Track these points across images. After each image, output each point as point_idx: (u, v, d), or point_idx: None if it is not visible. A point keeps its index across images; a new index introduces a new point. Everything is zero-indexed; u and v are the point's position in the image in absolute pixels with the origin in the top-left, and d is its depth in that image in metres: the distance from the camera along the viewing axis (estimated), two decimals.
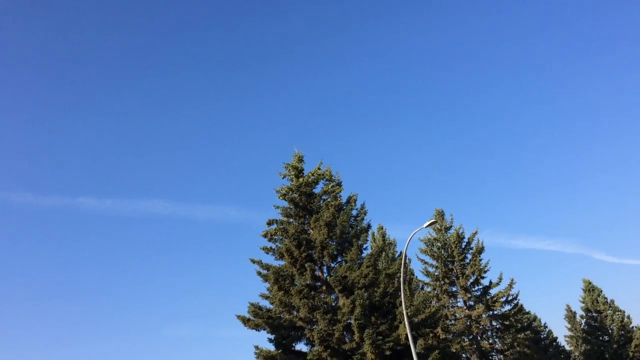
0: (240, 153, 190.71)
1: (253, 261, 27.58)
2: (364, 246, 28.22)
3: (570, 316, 57.93)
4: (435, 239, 42.21)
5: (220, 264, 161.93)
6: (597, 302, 50.64)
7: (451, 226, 42.68)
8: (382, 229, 44.52)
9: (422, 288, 41.63)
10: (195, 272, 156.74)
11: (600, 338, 49.39)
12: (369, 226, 28.95)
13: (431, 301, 36.66)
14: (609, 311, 50.04)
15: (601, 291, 51.70)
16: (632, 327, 49.75)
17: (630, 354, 47.19)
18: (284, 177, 30.06)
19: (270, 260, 28.17)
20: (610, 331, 49.10)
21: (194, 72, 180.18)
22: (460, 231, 42.22)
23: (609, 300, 51.12)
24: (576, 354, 56.50)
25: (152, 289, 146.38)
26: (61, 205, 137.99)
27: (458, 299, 41.03)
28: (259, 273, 27.44)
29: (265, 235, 28.49)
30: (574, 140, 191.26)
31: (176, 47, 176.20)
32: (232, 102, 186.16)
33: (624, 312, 50.31)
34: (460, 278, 40.52)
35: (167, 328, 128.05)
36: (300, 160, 30.02)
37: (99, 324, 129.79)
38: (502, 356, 40.52)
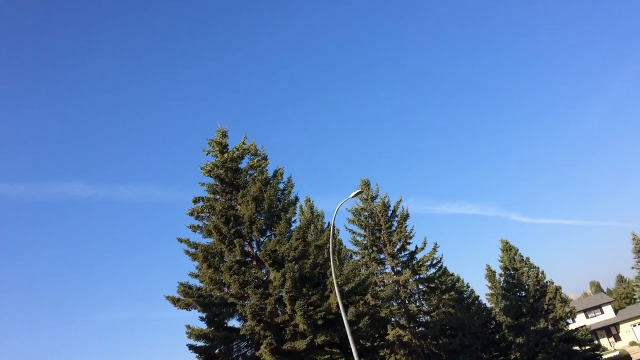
0: (162, 130, 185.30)
1: (180, 240, 27.05)
2: (293, 219, 28.33)
3: (490, 275, 60.99)
4: (362, 208, 42.93)
5: (147, 246, 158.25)
6: (514, 260, 53.49)
7: (377, 195, 43.51)
8: (309, 201, 44.80)
9: (351, 257, 42.44)
10: (121, 255, 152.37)
11: (518, 294, 52.37)
12: (296, 199, 29.04)
13: (360, 269, 37.49)
14: (525, 268, 53.02)
15: (518, 250, 54.62)
16: (546, 281, 53.05)
17: (545, 306, 50.46)
18: (208, 153, 29.43)
19: (198, 238, 27.73)
20: (526, 287, 52.14)
21: (110, 44, 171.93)
22: (386, 200, 43.12)
23: (524, 258, 54.10)
24: (497, 310, 59.76)
25: (77, 275, 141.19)
26: None
27: (386, 266, 42.18)
28: (187, 252, 26.99)
29: (191, 214, 27.93)
30: (490, 104, 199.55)
31: (90, 15, 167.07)
32: (152, 78, 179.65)
33: (539, 268, 53.50)
34: (388, 245, 41.58)
35: (96, 314, 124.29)
36: (224, 135, 29.45)
37: (20, 318, 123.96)
38: (428, 317, 42.24)
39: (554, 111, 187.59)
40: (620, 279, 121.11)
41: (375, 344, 31.07)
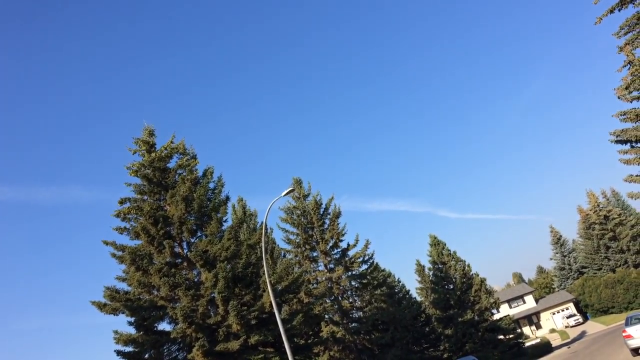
0: (85, 129, 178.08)
1: (106, 243, 25.96)
2: (224, 219, 27.89)
3: (420, 270, 62.40)
4: (294, 207, 42.93)
5: (72, 250, 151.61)
6: (442, 254, 54.98)
7: (309, 194, 43.62)
8: (242, 200, 44.36)
9: (284, 256, 42.37)
10: (42, 260, 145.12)
11: (446, 287, 53.92)
12: (227, 198, 28.61)
13: (293, 268, 37.51)
14: (452, 262, 54.61)
15: (445, 244, 56.16)
16: (472, 274, 54.90)
17: (471, 298, 52.24)
18: (135, 152, 28.45)
19: (126, 240, 26.77)
20: (454, 280, 53.79)
21: (30, 40, 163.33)
22: (318, 198, 43.30)
23: (452, 252, 55.79)
24: (426, 303, 61.35)
25: None
26: None
27: (319, 263, 42.37)
28: (114, 255, 25.97)
29: (118, 215, 26.88)
30: (418, 106, 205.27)
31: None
32: (75, 74, 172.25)
33: (465, 261, 55.25)
34: (320, 243, 41.79)
35: (16, 322, 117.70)
36: (152, 134, 28.55)
37: None
38: (361, 313, 42.82)
39: (477, 112, 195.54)
40: (540, 270, 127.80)
41: (310, 341, 31.21)
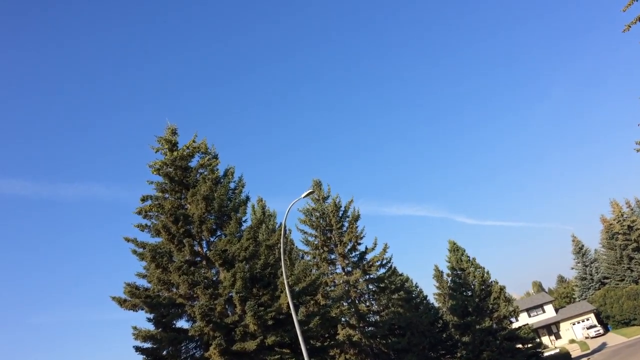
0: (107, 127, 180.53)
1: (127, 240, 26.27)
2: (244, 219, 28.01)
3: (438, 275, 62.17)
4: (313, 209, 42.97)
5: (92, 246, 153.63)
6: (461, 260, 54.55)
7: (328, 196, 43.63)
8: (261, 201, 44.49)
9: (303, 257, 42.42)
10: (64, 255, 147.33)
11: (465, 293, 53.47)
12: (247, 199, 28.73)
13: (311, 269, 37.55)
14: (471, 268, 54.15)
15: (464, 250, 55.76)
16: (491, 281, 54.39)
17: (490, 305, 51.74)
18: (157, 151, 28.71)
19: (146, 237, 27.05)
20: (472, 286, 53.33)
21: (51, 40, 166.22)
22: (337, 200, 43.30)
23: (471, 259, 55.35)
24: (444, 309, 60.99)
25: (14, 277, 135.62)
26: None
27: (337, 266, 42.35)
28: (135, 252, 26.27)
29: (139, 212, 27.16)
30: (438, 112, 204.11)
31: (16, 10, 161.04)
32: (96, 74, 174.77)
33: (484, 268, 54.77)
34: (339, 245, 41.76)
35: (35, 317, 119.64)
36: (174, 133, 28.80)
37: None
38: (378, 317, 42.67)
39: (498, 119, 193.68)
40: (561, 279, 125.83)
41: (326, 343, 31.12)
